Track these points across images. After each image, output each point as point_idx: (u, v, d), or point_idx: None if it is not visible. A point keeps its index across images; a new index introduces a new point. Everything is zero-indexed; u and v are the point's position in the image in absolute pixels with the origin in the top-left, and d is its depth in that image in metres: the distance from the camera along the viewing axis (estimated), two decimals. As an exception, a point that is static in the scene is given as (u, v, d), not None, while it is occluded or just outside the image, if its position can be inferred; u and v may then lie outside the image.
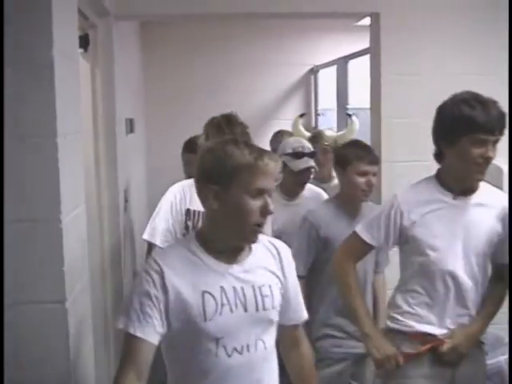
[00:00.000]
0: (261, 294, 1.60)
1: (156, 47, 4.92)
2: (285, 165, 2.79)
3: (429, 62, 3.15)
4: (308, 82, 5.41)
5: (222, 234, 1.57)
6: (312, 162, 2.93)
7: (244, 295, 1.57)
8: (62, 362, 1.72)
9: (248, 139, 2.45)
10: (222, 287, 1.55)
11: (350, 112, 4.62)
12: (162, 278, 1.51)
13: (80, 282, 1.92)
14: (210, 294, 1.53)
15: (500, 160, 3.02)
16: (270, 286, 1.62)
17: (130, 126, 3.56)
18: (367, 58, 3.41)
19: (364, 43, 3.52)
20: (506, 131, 2.00)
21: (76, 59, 2.06)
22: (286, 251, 1.71)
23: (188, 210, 2.57)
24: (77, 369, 1.79)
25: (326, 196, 2.99)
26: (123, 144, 3.19)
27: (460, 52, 3.18)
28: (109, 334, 2.94)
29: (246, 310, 1.57)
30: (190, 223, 2.55)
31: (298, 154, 2.91)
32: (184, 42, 4.98)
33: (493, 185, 3.10)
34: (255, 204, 1.52)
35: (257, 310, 1.58)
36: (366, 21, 3.28)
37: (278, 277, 1.66)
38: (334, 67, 4.94)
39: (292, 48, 5.19)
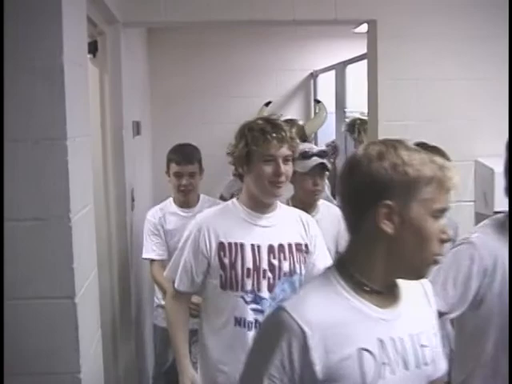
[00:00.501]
0: (420, 345, 1.25)
1: (162, 52, 4.96)
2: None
3: (425, 66, 3.18)
4: (308, 86, 5.43)
5: (385, 268, 1.20)
6: (324, 160, 2.66)
7: (404, 348, 1.22)
8: (71, 354, 1.75)
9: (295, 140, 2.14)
10: (380, 340, 1.20)
11: (318, 99, 4.55)
12: (305, 342, 1.15)
13: (89, 278, 1.93)
14: (368, 351, 1.18)
15: (492, 161, 3.08)
16: (426, 334, 1.28)
17: (137, 128, 3.59)
18: (365, 63, 3.44)
19: (361, 49, 3.56)
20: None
21: (85, 65, 2.07)
22: (431, 288, 1.37)
23: (221, 244, 2.05)
24: (86, 361, 1.80)
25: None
26: (130, 146, 3.23)
27: (456, 56, 3.20)
28: (116, 328, 2.99)
29: (406, 367, 1.22)
30: (226, 260, 2.03)
31: (305, 155, 2.66)
32: (188, 48, 5.02)
33: (484, 186, 3.12)
34: (437, 228, 1.17)
35: (417, 365, 1.24)
36: (364, 27, 3.31)
37: (432, 321, 1.32)
38: (333, 72, 4.97)
39: (292, 54, 5.23)
